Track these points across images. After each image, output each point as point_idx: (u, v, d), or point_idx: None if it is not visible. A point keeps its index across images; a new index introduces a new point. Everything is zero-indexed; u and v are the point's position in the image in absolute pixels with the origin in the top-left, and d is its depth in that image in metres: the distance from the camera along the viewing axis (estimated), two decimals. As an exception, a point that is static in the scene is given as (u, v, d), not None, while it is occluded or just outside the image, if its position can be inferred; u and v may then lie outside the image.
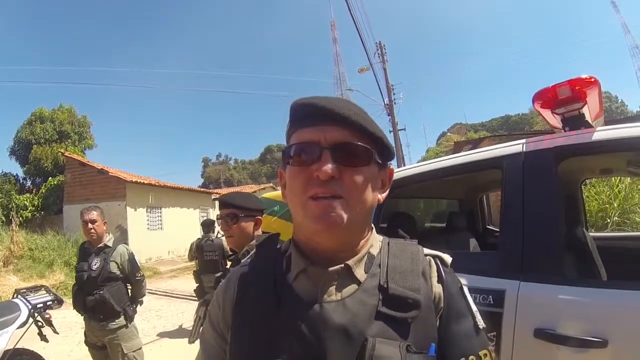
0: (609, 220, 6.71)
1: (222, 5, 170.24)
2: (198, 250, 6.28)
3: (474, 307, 0.83)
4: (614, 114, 42.59)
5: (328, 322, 0.70)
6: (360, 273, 0.76)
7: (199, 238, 6.46)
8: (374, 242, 0.82)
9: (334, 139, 0.73)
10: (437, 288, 0.79)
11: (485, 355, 0.77)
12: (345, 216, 0.70)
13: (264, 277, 0.79)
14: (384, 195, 0.83)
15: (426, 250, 0.84)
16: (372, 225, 0.84)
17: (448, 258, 0.85)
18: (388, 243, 0.83)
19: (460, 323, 0.78)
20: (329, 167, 0.70)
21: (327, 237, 0.73)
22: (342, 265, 0.75)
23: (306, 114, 0.76)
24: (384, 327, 0.70)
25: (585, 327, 1.48)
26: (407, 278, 0.75)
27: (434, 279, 0.80)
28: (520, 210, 1.82)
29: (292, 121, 0.80)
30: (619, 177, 6.94)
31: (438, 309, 0.77)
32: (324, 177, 0.70)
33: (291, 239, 0.84)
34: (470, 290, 1.75)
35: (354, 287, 0.74)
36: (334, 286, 0.74)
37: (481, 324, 0.81)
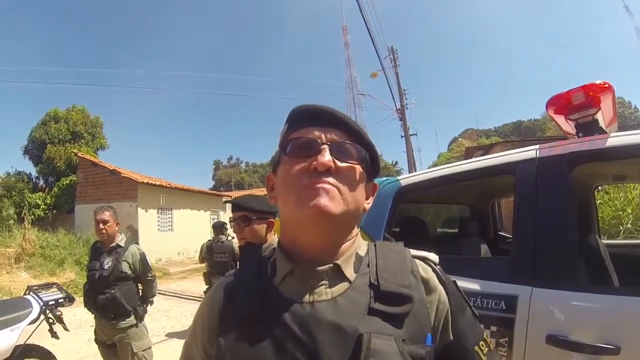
0: (622, 228, 6.64)
1: (234, 9, 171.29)
2: (208, 252, 6.32)
3: (465, 297, 0.87)
4: (628, 120, 42.09)
5: (321, 321, 0.69)
6: (349, 272, 0.76)
7: (210, 240, 6.51)
8: (361, 244, 0.83)
9: (333, 138, 0.78)
10: (440, 288, 0.80)
11: (486, 336, 0.85)
12: (337, 205, 0.72)
13: (249, 282, 0.80)
14: (369, 206, 0.85)
15: (413, 252, 0.85)
16: (359, 229, 0.85)
17: (435, 257, 0.86)
18: (374, 245, 0.84)
19: (464, 314, 0.83)
20: (327, 159, 0.74)
21: (316, 227, 0.74)
22: (331, 264, 0.75)
23: (309, 116, 0.81)
24: (378, 322, 0.70)
25: (598, 334, 1.47)
26: (396, 275, 0.76)
27: (434, 280, 0.81)
28: (533, 216, 1.81)
29: (293, 122, 0.83)
30: (633, 184, 6.88)
31: (445, 309, 0.79)
32: (322, 168, 0.73)
33: (275, 247, 0.85)
34: (483, 295, 1.77)
35: (344, 285, 0.74)
36: (324, 285, 0.74)
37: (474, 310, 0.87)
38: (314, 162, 0.73)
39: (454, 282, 0.86)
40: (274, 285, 0.77)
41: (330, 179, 0.73)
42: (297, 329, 0.69)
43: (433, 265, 0.84)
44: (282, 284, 0.76)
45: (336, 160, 0.75)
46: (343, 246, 0.78)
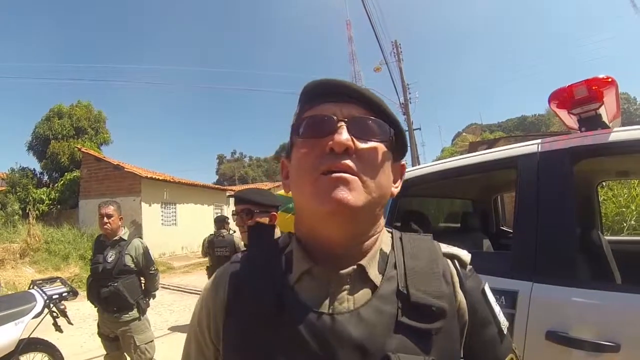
0: (625, 224, 6.61)
1: (237, 4, 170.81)
2: (210, 246, 6.33)
3: (497, 309, 0.76)
4: (633, 116, 41.86)
5: (342, 337, 0.61)
6: (374, 274, 0.67)
7: (211, 234, 6.51)
8: (384, 238, 0.73)
9: (350, 113, 0.68)
10: (460, 297, 0.71)
11: (513, 358, 0.74)
12: (360, 196, 0.63)
13: (261, 275, 0.70)
14: (397, 190, 0.76)
15: (443, 248, 0.76)
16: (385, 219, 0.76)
17: (467, 256, 0.77)
18: (400, 238, 0.74)
19: (485, 330, 0.72)
20: (344, 137, 0.64)
21: (336, 223, 0.64)
22: (355, 266, 0.66)
23: (321, 91, 0.71)
24: (404, 340, 0.61)
25: (598, 331, 1.46)
26: (428, 282, 0.67)
27: (457, 285, 0.72)
28: (535, 211, 1.80)
29: (305, 101, 0.74)
30: (637, 180, 6.84)
31: (462, 322, 0.70)
32: (340, 148, 0.63)
33: (291, 233, 0.77)
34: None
35: (368, 292, 0.65)
36: (346, 291, 0.65)
37: (505, 324, 0.76)
38: (330, 143, 0.64)
39: (483, 290, 0.76)
40: (289, 283, 0.68)
41: (350, 162, 0.64)
42: (314, 344, 0.61)
43: (458, 267, 0.74)
44: (299, 284, 0.68)
45: (356, 140, 0.65)
46: (367, 242, 0.69)
